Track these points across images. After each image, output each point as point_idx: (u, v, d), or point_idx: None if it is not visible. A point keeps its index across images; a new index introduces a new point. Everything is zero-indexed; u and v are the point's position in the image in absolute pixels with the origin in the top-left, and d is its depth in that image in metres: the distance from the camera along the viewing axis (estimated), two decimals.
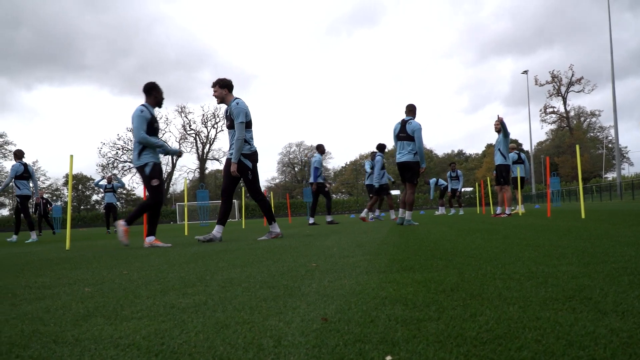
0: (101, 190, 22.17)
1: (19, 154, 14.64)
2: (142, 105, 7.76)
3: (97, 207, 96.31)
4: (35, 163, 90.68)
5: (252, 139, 8.06)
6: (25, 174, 14.36)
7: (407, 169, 11.13)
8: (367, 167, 18.43)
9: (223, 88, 8.11)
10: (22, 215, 14.62)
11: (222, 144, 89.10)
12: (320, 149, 16.75)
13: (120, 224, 7.66)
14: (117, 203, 22.30)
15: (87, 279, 3.76)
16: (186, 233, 14.21)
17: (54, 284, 3.59)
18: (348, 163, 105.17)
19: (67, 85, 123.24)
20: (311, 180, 16.55)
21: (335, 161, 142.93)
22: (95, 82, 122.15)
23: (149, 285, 3.24)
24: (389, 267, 3.45)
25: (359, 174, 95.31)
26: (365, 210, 17.65)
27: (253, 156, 8.06)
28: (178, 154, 8.41)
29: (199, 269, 4.07)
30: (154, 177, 7.72)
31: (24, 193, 14.40)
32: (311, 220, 16.50)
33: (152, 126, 7.73)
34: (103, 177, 22.41)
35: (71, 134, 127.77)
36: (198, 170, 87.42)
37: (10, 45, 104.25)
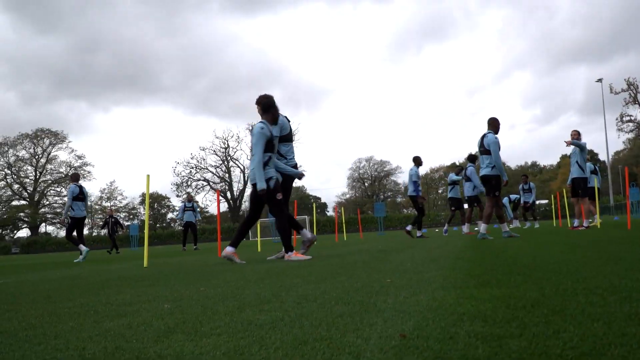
0: (178, 215, 22.49)
1: (75, 177, 15.41)
2: (262, 122, 7.79)
3: (172, 225, 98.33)
4: (112, 183, 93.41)
5: (289, 153, 8.22)
6: (80, 195, 14.81)
7: (486, 182, 11.12)
8: (453, 177, 18.15)
9: (258, 105, 8.25)
10: (72, 233, 14.96)
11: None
12: (417, 160, 16.42)
13: (289, 255, 7.61)
14: (199, 217, 22.63)
15: (166, 296, 3.84)
16: (259, 249, 14.35)
17: (134, 300, 3.68)
18: None
19: (143, 107, 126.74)
20: (412, 193, 16.29)
21: (406, 176, 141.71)
22: (170, 103, 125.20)
23: (225, 301, 3.28)
24: (466, 283, 3.40)
25: (429, 188, 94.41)
26: (466, 224, 17.33)
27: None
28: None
29: (273, 285, 4.10)
30: (277, 192, 7.69)
31: (77, 215, 14.74)
32: (419, 233, 16.34)
33: (270, 143, 7.74)
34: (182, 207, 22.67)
35: (146, 154, 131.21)
36: None
37: (89, 70, 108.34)
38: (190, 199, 22.78)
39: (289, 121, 8.37)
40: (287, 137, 8.13)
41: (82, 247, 14.65)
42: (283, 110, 8.28)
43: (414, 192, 16.18)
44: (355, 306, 2.72)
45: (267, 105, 7.95)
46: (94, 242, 63.15)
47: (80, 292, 4.63)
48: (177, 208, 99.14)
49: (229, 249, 7.83)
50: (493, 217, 12.00)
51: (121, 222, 27.62)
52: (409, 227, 16.55)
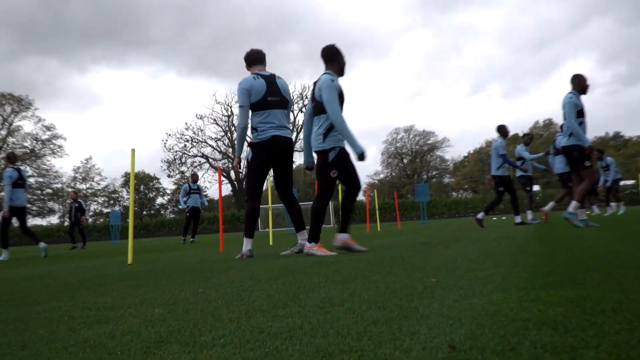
0: (183, 201, 21.83)
1: (11, 158, 15.28)
2: (328, 74, 7.76)
3: (162, 212, 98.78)
4: (88, 161, 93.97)
5: (264, 123, 8.04)
6: (19, 180, 14.81)
7: (567, 155, 10.92)
8: (525, 154, 17.35)
9: (245, 62, 8.38)
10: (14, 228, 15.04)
11: None
12: (502, 130, 16.10)
13: (310, 247, 7.61)
14: (205, 203, 22.58)
15: (156, 299, 3.89)
16: (271, 242, 14.41)
17: (118, 304, 3.73)
18: (471, 152, 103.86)
19: (127, 66, 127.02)
20: (496, 172, 15.85)
21: (455, 150, 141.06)
22: (160, 61, 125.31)
23: (230, 305, 3.32)
24: (531, 283, 3.40)
25: (485, 166, 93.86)
26: (551, 204, 16.97)
27: (259, 146, 8.08)
28: (359, 154, 7.69)
29: (290, 285, 4.13)
30: (335, 167, 7.64)
31: (16, 204, 14.76)
32: (517, 220, 15.90)
33: (340, 100, 7.68)
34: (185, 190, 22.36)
35: (131, 124, 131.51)
36: None
37: (61, 20, 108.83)
38: (195, 179, 22.73)
39: (273, 81, 8.21)
40: (262, 104, 8.01)
41: (4, 254, 14.79)
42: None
43: (499, 171, 15.84)
44: (393, 311, 2.74)
45: (331, 53, 7.91)
46: (65, 234, 63.79)
47: (52, 294, 4.70)
48: (167, 191, 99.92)
49: (308, 244, 7.73)
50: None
51: (84, 207, 27.09)
52: (521, 218, 16.06)
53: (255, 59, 8.40)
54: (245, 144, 8.16)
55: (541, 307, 2.57)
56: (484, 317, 2.43)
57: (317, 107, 7.68)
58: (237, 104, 8.06)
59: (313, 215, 7.69)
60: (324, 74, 7.78)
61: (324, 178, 7.66)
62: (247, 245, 8.19)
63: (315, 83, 7.80)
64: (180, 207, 22.07)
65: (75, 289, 5.07)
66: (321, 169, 7.67)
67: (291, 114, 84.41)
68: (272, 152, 8.07)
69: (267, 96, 8.03)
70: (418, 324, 2.39)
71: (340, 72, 7.92)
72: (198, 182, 22.65)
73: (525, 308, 2.57)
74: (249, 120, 8.01)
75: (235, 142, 8.21)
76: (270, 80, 8.17)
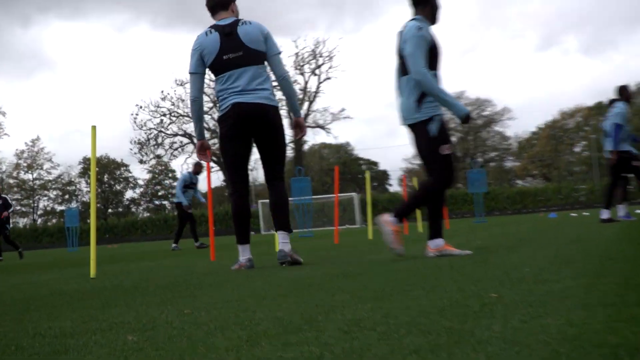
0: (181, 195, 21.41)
1: None
2: (417, 20, 7.62)
3: (134, 209, 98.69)
4: (35, 142, 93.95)
5: (224, 90, 7.80)
6: None
7: None
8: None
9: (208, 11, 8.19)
10: None
11: (328, 100, 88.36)
12: (625, 93, 15.44)
13: (387, 220, 7.44)
14: (202, 199, 22.64)
15: (129, 322, 3.90)
16: (277, 248, 14.38)
17: (79, 329, 3.74)
18: (541, 126, 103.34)
19: (84, 17, 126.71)
20: (607, 146, 15.34)
21: (520, 124, 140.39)
22: (128, 8, 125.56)
23: (226, 330, 3.33)
24: (621, 298, 3.40)
25: (559, 145, 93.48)
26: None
27: (222, 121, 7.94)
28: (463, 118, 7.61)
29: (304, 304, 4.14)
30: (444, 142, 7.45)
31: None
32: (604, 215, 15.51)
33: (433, 54, 7.54)
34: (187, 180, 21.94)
35: (91, 94, 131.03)
36: (292, 144, 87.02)
37: None
38: (198, 170, 22.15)
39: (232, 31, 7.79)
40: (218, 66, 7.77)
41: None
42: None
43: (613, 145, 15.15)
44: (440, 336, 2.75)
45: None
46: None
47: None
48: (139, 181, 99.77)
49: (433, 244, 7.64)
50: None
51: (10, 202, 25.94)
52: (622, 213, 15.69)
53: (215, 4, 8.02)
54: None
55: (635, 328, 2.58)
56: (561, 342, 2.44)
57: (404, 65, 7.59)
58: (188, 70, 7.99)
59: (419, 189, 7.71)
60: (411, 20, 7.66)
61: (433, 161, 7.52)
62: (243, 253, 8.20)
63: (400, 33, 7.73)
64: (183, 204, 21.56)
65: (24, 310, 5.10)
66: (427, 149, 7.52)
67: (297, 73, 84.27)
68: (237, 126, 7.80)
69: (222, 54, 7.72)
70: (474, 352, 2.40)
71: (432, 18, 7.77)
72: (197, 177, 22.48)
73: (614, 330, 2.58)
74: (210, 91, 7.94)
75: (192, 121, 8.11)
76: (227, 30, 7.80)
